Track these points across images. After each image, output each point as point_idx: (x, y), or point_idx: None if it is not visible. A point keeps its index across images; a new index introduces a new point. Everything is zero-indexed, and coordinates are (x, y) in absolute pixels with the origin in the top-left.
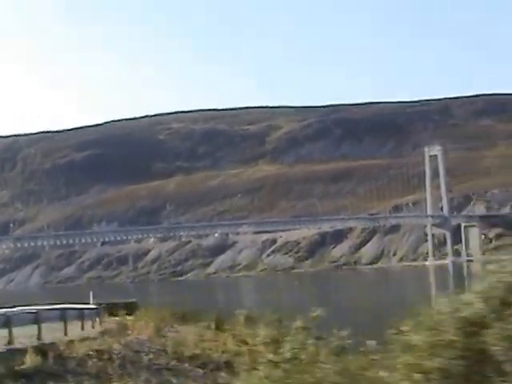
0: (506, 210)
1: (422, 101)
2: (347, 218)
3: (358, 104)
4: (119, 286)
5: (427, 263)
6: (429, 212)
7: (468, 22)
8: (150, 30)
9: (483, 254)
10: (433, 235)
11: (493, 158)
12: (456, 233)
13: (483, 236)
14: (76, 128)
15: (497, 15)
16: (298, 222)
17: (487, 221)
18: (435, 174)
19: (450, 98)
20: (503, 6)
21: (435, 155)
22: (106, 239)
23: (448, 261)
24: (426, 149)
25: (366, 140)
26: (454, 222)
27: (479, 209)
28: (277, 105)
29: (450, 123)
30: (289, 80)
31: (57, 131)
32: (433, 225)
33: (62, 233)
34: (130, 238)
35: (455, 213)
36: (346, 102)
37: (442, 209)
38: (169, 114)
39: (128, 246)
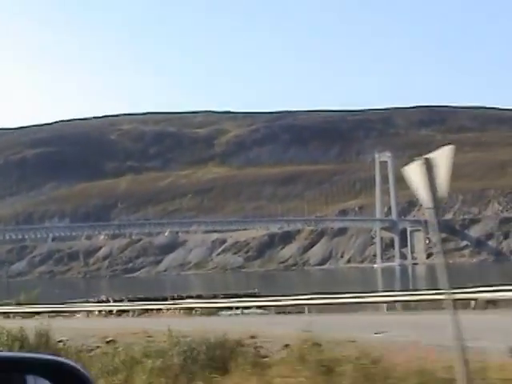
0: (449, 216)
1: (365, 110)
2: (295, 219)
3: (303, 111)
4: (71, 281)
5: (375, 265)
6: (377, 216)
7: (409, 37)
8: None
9: (427, 257)
10: (381, 238)
11: None
12: (402, 237)
13: (427, 240)
14: (28, 126)
15: (441, 29)
16: (246, 222)
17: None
18: (383, 180)
19: (392, 109)
20: (447, 17)
21: (385, 161)
22: (57, 234)
23: (396, 263)
24: (377, 155)
25: (312, 145)
26: (400, 226)
27: (423, 215)
28: (223, 110)
29: (392, 132)
30: (235, 87)
31: (9, 128)
32: (382, 228)
33: (11, 227)
34: (80, 234)
35: (402, 217)
36: (292, 109)
37: (388, 213)
38: (119, 115)
39: (79, 242)
